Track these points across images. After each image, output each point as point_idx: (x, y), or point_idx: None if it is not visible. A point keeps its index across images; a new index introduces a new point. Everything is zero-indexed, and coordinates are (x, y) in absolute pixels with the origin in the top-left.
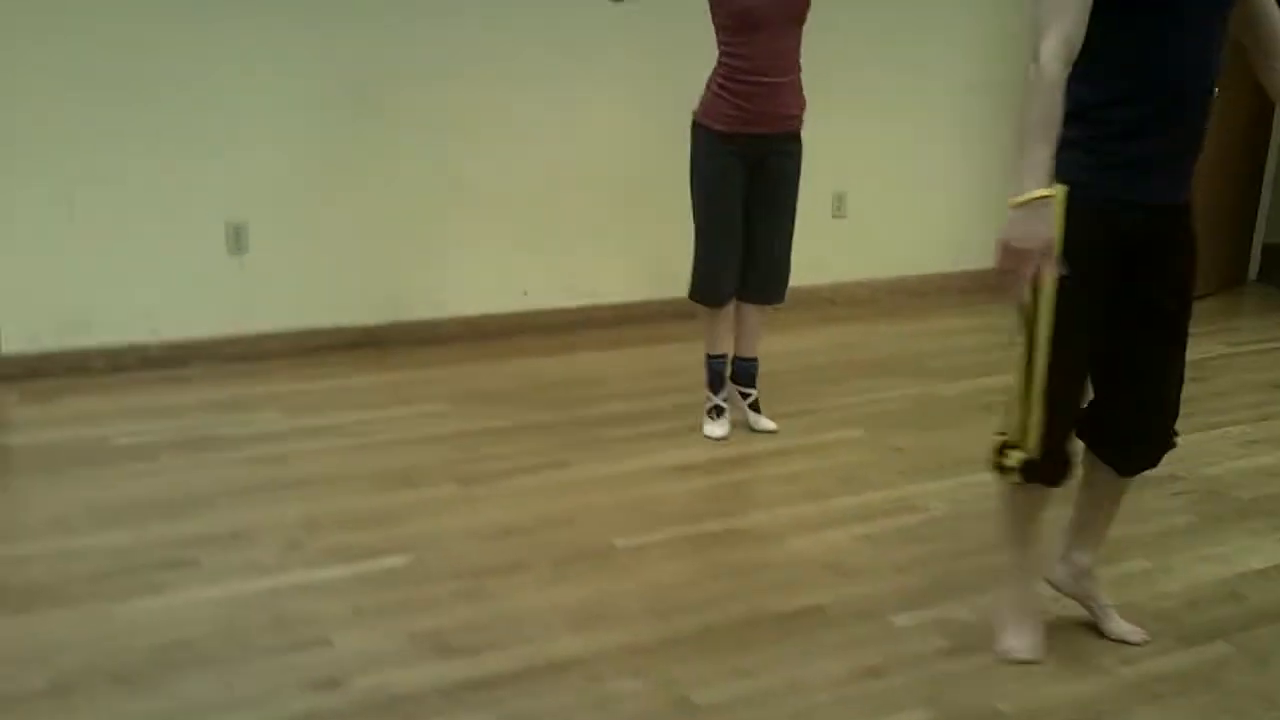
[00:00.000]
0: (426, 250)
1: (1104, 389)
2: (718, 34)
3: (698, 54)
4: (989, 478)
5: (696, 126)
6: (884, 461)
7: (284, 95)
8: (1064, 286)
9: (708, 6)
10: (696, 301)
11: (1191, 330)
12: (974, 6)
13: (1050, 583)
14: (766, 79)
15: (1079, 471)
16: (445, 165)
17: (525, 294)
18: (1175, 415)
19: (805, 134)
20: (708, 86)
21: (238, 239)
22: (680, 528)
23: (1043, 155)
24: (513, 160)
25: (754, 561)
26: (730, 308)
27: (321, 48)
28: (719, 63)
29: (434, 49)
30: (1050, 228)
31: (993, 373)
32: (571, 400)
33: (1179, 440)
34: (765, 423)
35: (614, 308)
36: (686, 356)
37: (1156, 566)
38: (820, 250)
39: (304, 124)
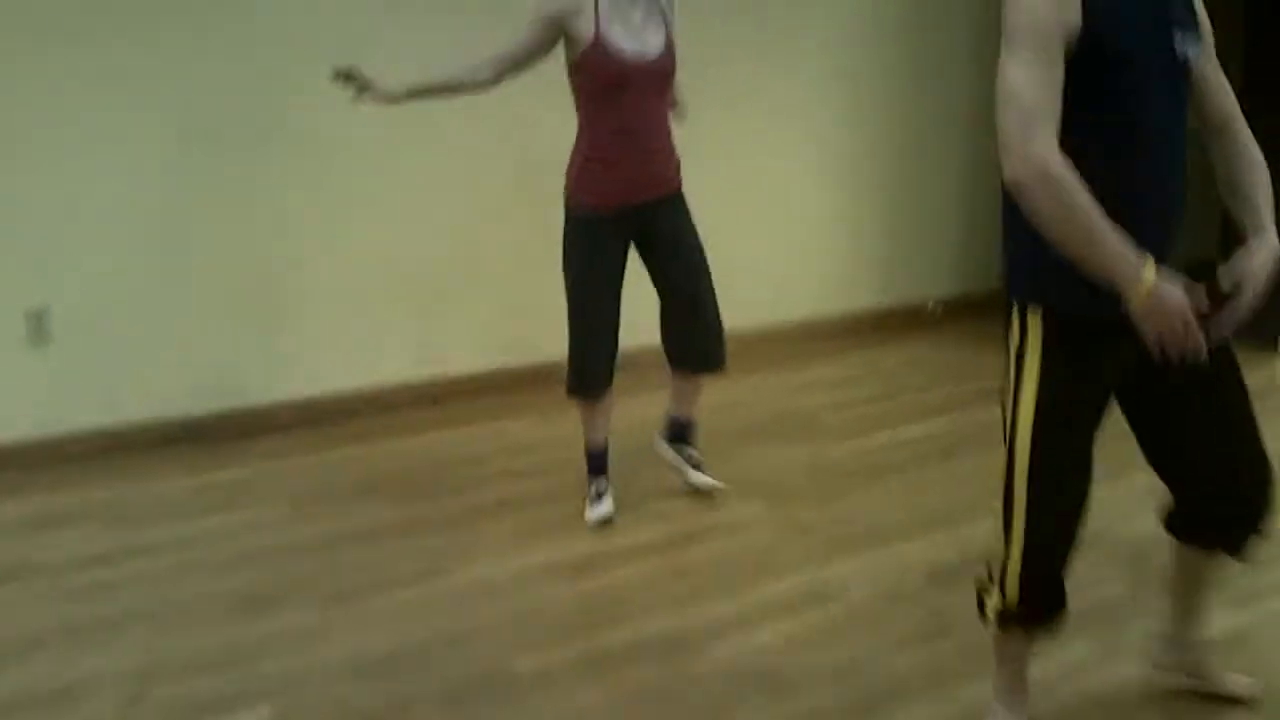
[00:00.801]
0: (255, 326)
1: (1176, 474)
2: (583, 103)
3: (537, 119)
4: (899, 549)
5: (569, 207)
6: (790, 540)
7: (87, 162)
8: (1046, 409)
9: (567, 75)
10: (573, 395)
11: None
12: (837, 44)
13: (1157, 666)
14: (639, 144)
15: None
16: (275, 232)
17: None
18: (1267, 465)
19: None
20: (572, 163)
21: (39, 327)
22: (587, 641)
23: (1115, 243)
24: (350, 227)
25: (677, 679)
26: (609, 399)
27: (134, 110)
28: (583, 135)
29: (262, 115)
30: (1176, 289)
31: (882, 427)
32: (435, 489)
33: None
34: (709, 480)
35: (468, 379)
36: (551, 428)
37: (1105, 647)
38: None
39: (111, 193)
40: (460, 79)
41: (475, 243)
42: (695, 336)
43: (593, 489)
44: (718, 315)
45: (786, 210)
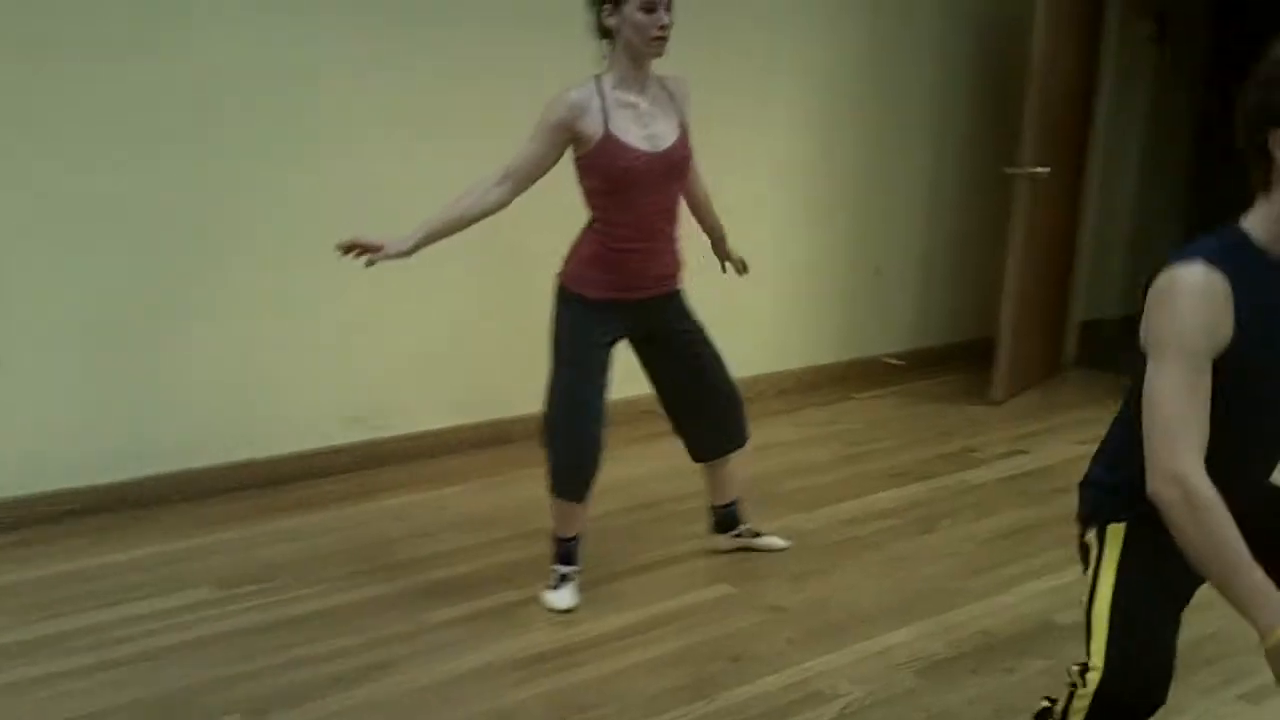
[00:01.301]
0: (173, 383)
1: None
2: (593, 198)
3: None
4: (884, 641)
5: (565, 293)
6: (767, 628)
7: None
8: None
9: (576, 169)
10: (558, 496)
11: (1027, 432)
12: (796, 92)
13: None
14: (649, 239)
15: None
16: (194, 268)
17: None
18: None
19: None
20: (576, 250)
21: None
22: None
23: (1255, 579)
24: (282, 262)
25: None
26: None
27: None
28: (593, 228)
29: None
30: None
31: (850, 495)
32: (378, 567)
33: None
34: (776, 540)
35: (414, 438)
36: (507, 494)
37: None
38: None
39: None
40: (471, 209)
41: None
42: (714, 422)
43: (557, 573)
44: (733, 386)
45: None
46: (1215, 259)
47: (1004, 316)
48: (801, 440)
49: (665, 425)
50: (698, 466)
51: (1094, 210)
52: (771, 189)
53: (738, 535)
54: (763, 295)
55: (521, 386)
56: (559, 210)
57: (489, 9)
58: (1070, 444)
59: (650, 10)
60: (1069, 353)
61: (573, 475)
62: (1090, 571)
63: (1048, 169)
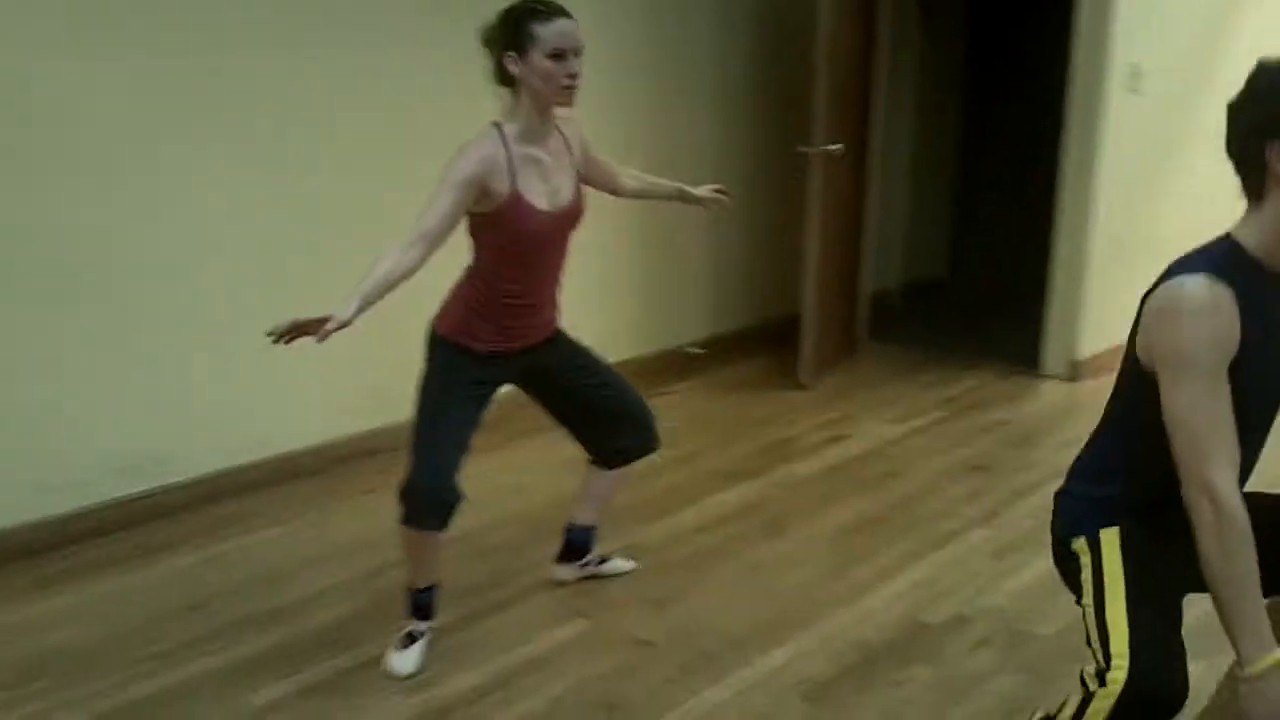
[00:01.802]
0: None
1: None
2: (485, 255)
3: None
4: (763, 665)
5: (444, 344)
6: (638, 667)
7: None
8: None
9: (469, 222)
10: (413, 525)
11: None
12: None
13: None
14: (535, 295)
15: None
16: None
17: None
18: None
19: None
20: (458, 300)
21: None
22: None
23: (1256, 612)
24: (114, 262)
25: None
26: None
27: None
28: (477, 281)
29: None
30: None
31: (687, 503)
32: (179, 644)
33: None
34: (622, 563)
35: (194, 484)
36: (319, 536)
37: None
38: None
39: None
40: (393, 273)
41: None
42: (629, 428)
43: (407, 630)
44: (638, 393)
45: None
46: (1217, 273)
47: (806, 297)
48: None
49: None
50: (510, 487)
51: (877, 183)
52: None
53: (585, 564)
54: (589, 296)
55: (308, 416)
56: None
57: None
58: (886, 423)
59: (559, 58)
60: (860, 328)
61: (430, 493)
62: (1090, 578)
63: (841, 146)
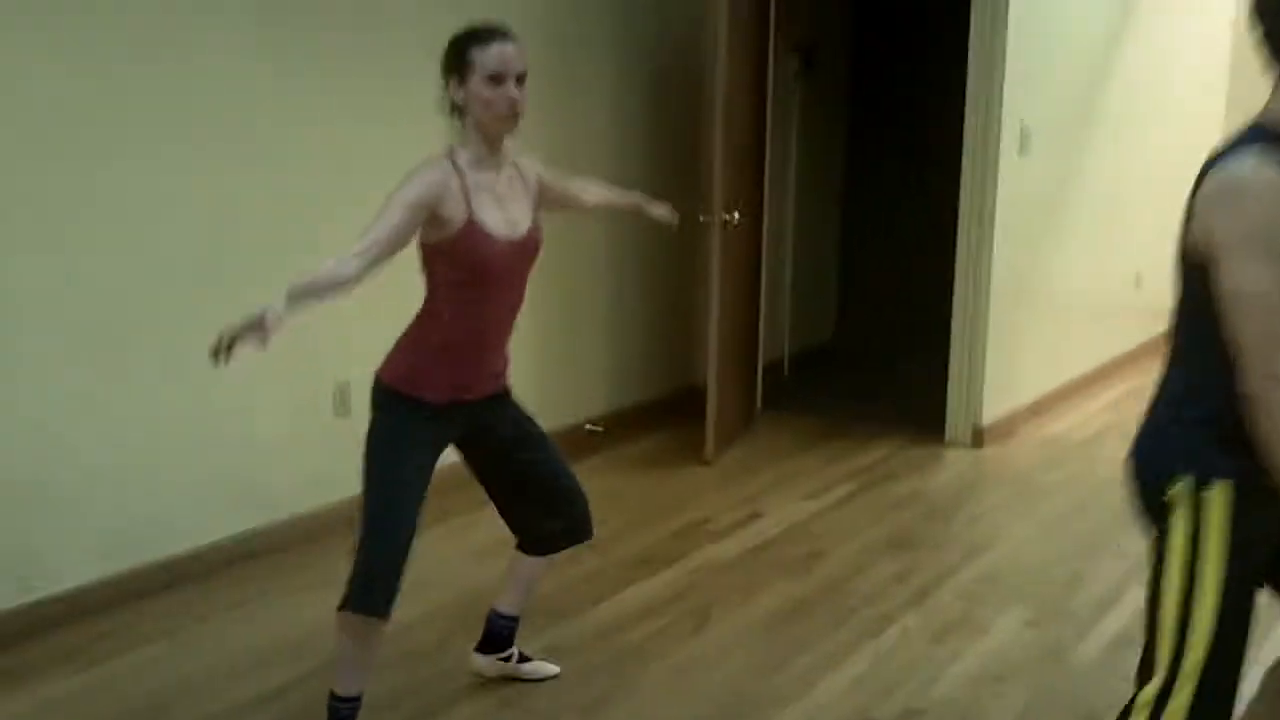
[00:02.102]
0: None
1: None
2: (441, 289)
3: None
4: None
5: (394, 397)
6: None
7: None
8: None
9: (425, 255)
10: (359, 611)
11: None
12: None
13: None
14: (491, 337)
15: None
16: None
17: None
18: None
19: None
20: (409, 344)
21: None
22: None
23: None
24: None
25: None
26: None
27: None
28: (433, 322)
29: None
30: None
31: (601, 596)
32: None
33: None
34: (546, 666)
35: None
36: (210, 650)
37: None
38: (319, 462)
39: None
40: (326, 278)
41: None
42: (564, 514)
43: None
44: (577, 479)
45: None
46: (1264, 155)
47: (710, 370)
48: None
49: None
50: (420, 581)
51: (770, 249)
52: None
53: (505, 659)
54: None
55: (185, 515)
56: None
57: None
58: (798, 500)
59: (498, 82)
60: (755, 399)
61: (377, 582)
62: (1182, 547)
63: (736, 214)
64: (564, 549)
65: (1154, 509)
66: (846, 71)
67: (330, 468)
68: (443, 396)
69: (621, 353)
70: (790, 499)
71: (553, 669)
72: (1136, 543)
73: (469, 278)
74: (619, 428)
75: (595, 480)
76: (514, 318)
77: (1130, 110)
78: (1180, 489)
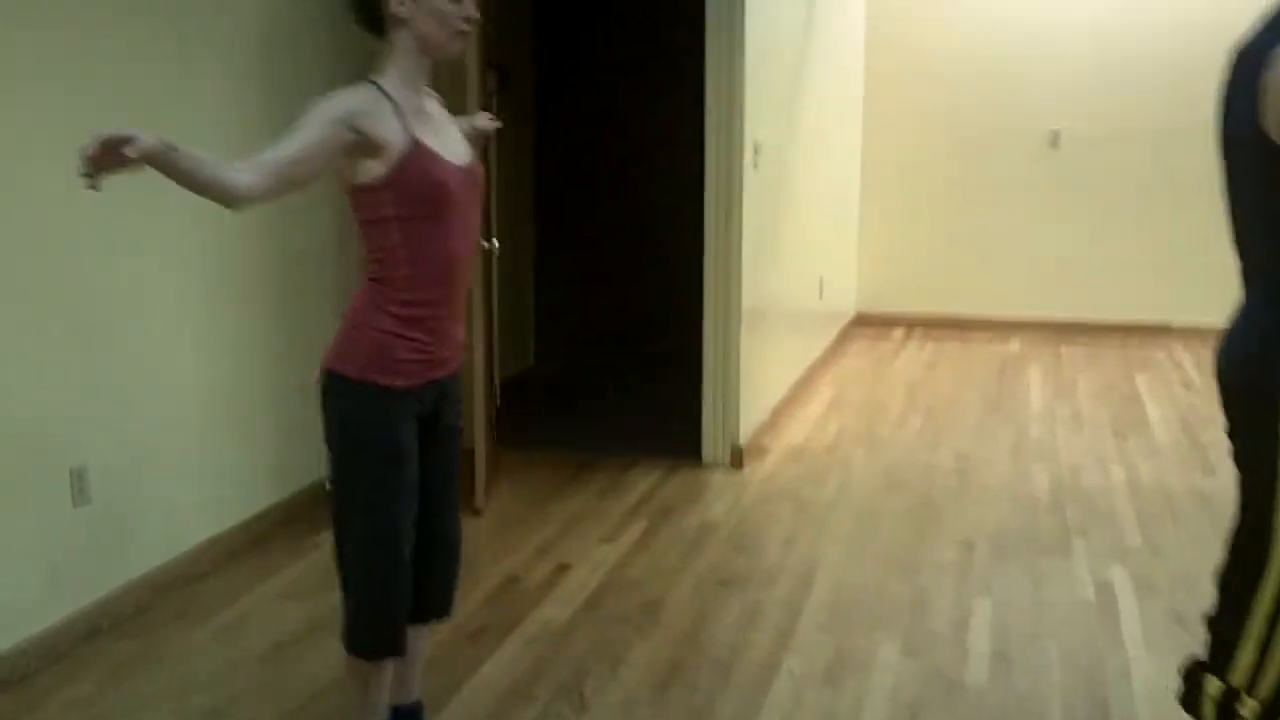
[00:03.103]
0: None
1: None
2: (390, 241)
3: None
4: None
5: (349, 389)
6: None
7: None
8: None
9: (361, 204)
10: (367, 655)
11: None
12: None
13: None
14: (451, 291)
15: None
16: None
17: None
18: None
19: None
20: (362, 323)
21: None
22: None
23: None
24: None
25: None
26: None
27: None
28: (383, 287)
29: None
30: None
31: (450, 688)
32: None
33: None
34: None
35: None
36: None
37: None
38: (56, 557)
39: None
40: (208, 169)
41: None
42: (440, 563)
43: None
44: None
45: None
46: None
47: (477, 405)
48: (304, 619)
49: (116, 651)
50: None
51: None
52: (177, 281)
53: None
54: (185, 437)
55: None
56: None
57: None
58: (597, 544)
59: None
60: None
61: (385, 617)
62: None
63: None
64: (438, 616)
65: (1251, 424)
66: (533, 91)
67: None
68: (408, 379)
69: (287, 442)
70: (587, 543)
71: None
72: (937, 552)
73: (426, 209)
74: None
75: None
76: (470, 266)
77: (817, 126)
78: None
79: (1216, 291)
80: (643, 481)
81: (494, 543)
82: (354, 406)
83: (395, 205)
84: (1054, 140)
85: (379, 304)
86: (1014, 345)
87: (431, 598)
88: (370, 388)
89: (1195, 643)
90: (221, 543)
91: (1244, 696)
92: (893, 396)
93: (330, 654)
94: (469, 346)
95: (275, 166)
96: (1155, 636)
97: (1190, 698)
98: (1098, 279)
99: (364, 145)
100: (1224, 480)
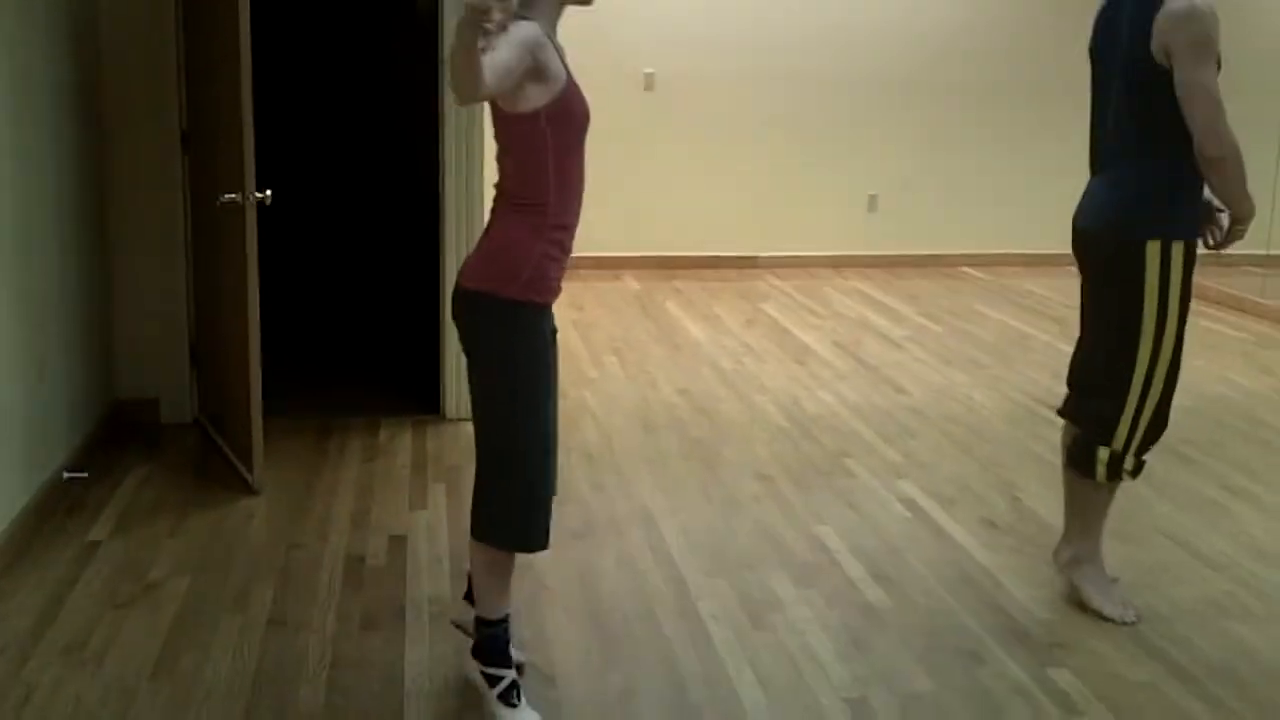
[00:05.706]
0: None
1: None
2: (550, 161)
3: None
4: None
5: (508, 308)
6: None
7: None
8: (1184, 315)
9: (525, 131)
10: (522, 548)
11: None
12: None
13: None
14: (578, 216)
15: None
16: None
17: None
18: None
19: None
20: (519, 245)
21: None
22: None
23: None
24: None
25: None
26: None
27: None
28: (536, 212)
29: None
30: None
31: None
32: None
33: None
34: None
35: None
36: None
37: None
38: None
39: None
40: (482, 61)
41: None
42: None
43: (504, 682)
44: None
45: None
46: None
47: (252, 371)
48: (102, 645)
49: None
50: None
51: None
52: None
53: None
54: None
55: None
56: None
57: None
58: (409, 509)
59: None
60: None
61: (541, 512)
62: (1155, 289)
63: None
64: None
65: (1120, 264)
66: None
67: None
68: (559, 292)
69: (68, 362)
70: (400, 511)
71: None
72: (742, 487)
73: (573, 139)
74: (101, 469)
75: (138, 547)
76: None
77: None
78: (1155, 249)
79: (799, 227)
80: (400, 439)
81: (297, 521)
82: (515, 322)
83: (553, 135)
84: (649, 83)
85: (536, 229)
86: (631, 282)
87: (551, 485)
88: (527, 305)
89: (1013, 539)
90: None
91: (1126, 456)
92: (569, 336)
93: None
94: (244, 316)
95: (504, 71)
96: (984, 538)
97: (1082, 463)
98: (693, 216)
99: (536, 72)
100: (920, 397)
